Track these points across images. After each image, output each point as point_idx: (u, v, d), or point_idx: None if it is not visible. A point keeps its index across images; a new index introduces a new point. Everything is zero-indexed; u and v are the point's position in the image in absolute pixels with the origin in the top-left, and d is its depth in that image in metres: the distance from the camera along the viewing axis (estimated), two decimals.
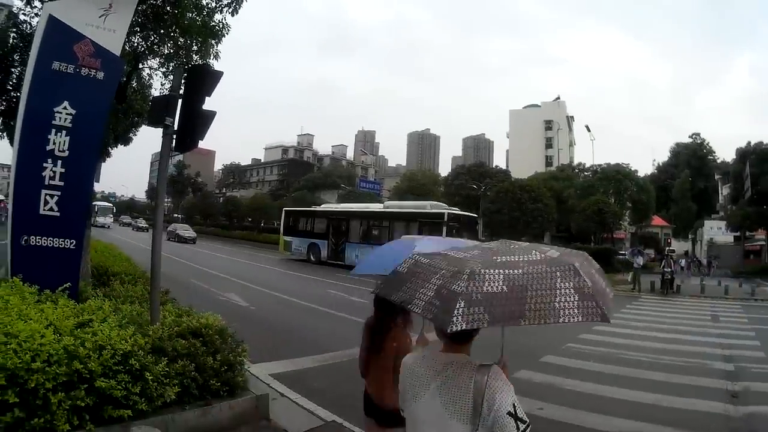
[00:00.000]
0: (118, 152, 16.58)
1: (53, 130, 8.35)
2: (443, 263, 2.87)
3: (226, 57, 14.03)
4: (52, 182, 8.36)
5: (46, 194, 8.32)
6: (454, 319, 2.39)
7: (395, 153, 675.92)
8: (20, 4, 12.13)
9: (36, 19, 11.15)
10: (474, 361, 2.93)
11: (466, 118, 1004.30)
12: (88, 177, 9.08)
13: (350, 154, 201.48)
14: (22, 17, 12.48)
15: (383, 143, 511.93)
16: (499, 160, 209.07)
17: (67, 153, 8.42)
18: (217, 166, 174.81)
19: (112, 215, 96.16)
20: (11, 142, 9.49)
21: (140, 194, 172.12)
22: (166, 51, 13.14)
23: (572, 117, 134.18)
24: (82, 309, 7.39)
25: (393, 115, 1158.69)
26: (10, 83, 12.42)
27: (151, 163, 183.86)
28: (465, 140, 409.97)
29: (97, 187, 16.03)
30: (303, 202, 76.57)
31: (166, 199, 13.02)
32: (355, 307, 18.83)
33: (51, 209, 8.34)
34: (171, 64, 13.37)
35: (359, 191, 76.90)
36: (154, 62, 13.75)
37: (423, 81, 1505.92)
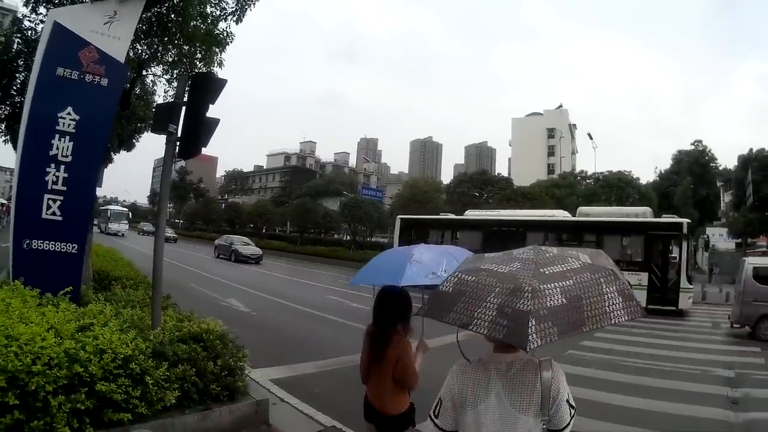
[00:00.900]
0: (120, 157, 16.66)
1: (57, 136, 8.38)
2: (493, 280, 2.85)
3: (230, 64, 14.09)
4: (55, 187, 8.37)
5: (48, 199, 8.34)
6: (530, 337, 2.45)
7: (398, 160, 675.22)
8: (25, 11, 12.18)
9: (41, 26, 11.19)
10: (533, 358, 3.02)
11: (468, 126, 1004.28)
12: (91, 182, 9.11)
13: (353, 161, 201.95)
14: (27, 23, 12.53)
15: (386, 151, 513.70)
16: (501, 168, 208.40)
17: (70, 158, 8.45)
18: (220, 172, 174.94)
19: (127, 221, 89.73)
20: (15, 147, 9.52)
21: (142, 199, 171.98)
22: (170, 58, 13.20)
23: (574, 125, 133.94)
24: (83, 313, 7.43)
25: (396, 122, 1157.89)
26: (14, 88, 12.47)
27: (154, 169, 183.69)
28: (467, 148, 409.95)
29: (100, 192, 16.07)
30: (306, 209, 76.47)
31: (168, 205, 13.03)
32: (355, 314, 18.86)
33: (53, 213, 8.36)
34: (175, 71, 13.41)
35: (361, 198, 76.61)
36: (158, 69, 13.85)
37: (426, 89, 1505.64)
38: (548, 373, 2.92)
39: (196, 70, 12.66)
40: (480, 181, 79.25)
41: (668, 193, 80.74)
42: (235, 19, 12.79)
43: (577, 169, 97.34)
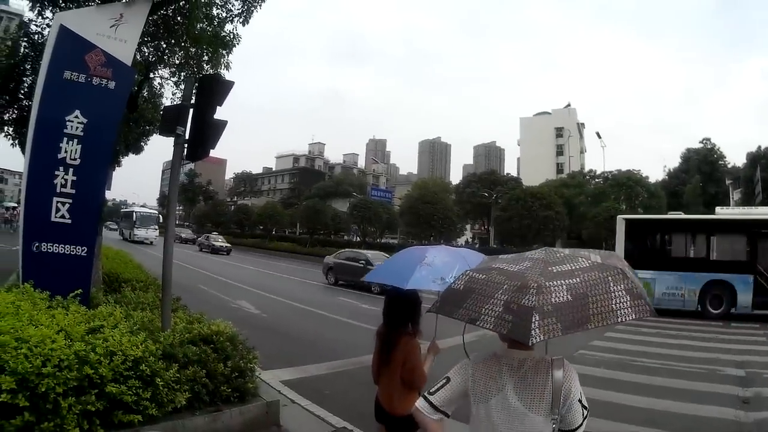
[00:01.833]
0: (129, 160, 16.69)
1: (65, 139, 8.39)
2: (502, 278, 2.92)
3: (237, 66, 14.10)
4: (63, 190, 8.38)
5: (57, 202, 8.35)
6: (533, 332, 2.49)
7: (406, 161, 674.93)
8: (31, 15, 12.21)
9: (47, 30, 11.22)
10: (546, 357, 3.05)
11: (477, 126, 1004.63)
12: (99, 185, 9.14)
13: (361, 162, 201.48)
14: (33, 27, 12.58)
15: (394, 151, 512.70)
16: (510, 168, 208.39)
17: (78, 161, 8.46)
18: (229, 174, 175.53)
19: (157, 226, 72.83)
20: (23, 150, 9.55)
21: (152, 202, 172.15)
22: (177, 61, 13.24)
23: (583, 124, 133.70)
24: (93, 315, 7.44)
25: (404, 123, 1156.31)
26: (22, 92, 12.52)
27: (162, 171, 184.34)
28: (476, 148, 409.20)
29: (109, 195, 16.13)
30: (315, 210, 76.48)
31: (177, 207, 12.98)
32: (365, 315, 18.88)
33: (62, 216, 8.37)
34: (182, 73, 13.45)
35: (371, 199, 76.57)
36: (165, 72, 13.86)
37: (434, 89, 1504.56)
38: (560, 372, 2.93)
39: (203, 73, 12.67)
40: (489, 181, 79.20)
41: (677, 191, 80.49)
42: (241, 20, 12.83)
43: (586, 168, 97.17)
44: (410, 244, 54.85)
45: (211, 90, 8.35)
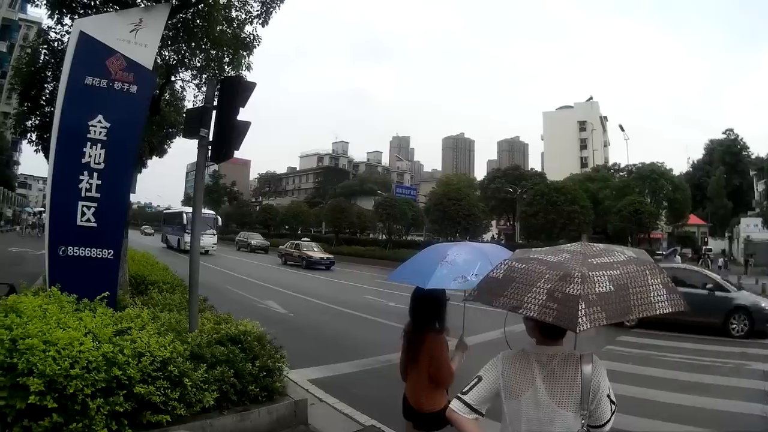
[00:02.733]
0: (153, 163, 16.79)
1: (88, 143, 8.45)
2: (543, 267, 2.93)
3: (259, 67, 14.13)
4: (88, 194, 8.45)
5: (83, 206, 8.42)
6: (580, 320, 2.51)
7: (430, 158, 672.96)
8: (50, 22, 12.29)
9: (67, 36, 11.28)
10: (574, 352, 3.06)
11: (500, 121, 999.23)
12: (124, 188, 9.18)
13: (385, 160, 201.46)
14: (52, 35, 12.64)
15: (418, 149, 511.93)
16: (534, 163, 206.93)
17: (102, 165, 8.51)
18: (253, 175, 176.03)
19: (215, 232, 60.25)
20: (46, 156, 9.61)
21: (176, 204, 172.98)
22: (198, 63, 13.25)
23: (606, 117, 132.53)
24: (120, 317, 7.51)
25: (427, 120, 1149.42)
26: (44, 98, 12.58)
27: (187, 174, 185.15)
28: (500, 143, 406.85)
29: (134, 198, 16.21)
30: (340, 209, 76.38)
31: (203, 209, 13.07)
32: (392, 313, 18.71)
33: (88, 220, 8.44)
34: (203, 76, 13.47)
35: (395, 196, 76.33)
36: (186, 75, 13.89)
37: (457, 85, 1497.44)
38: (589, 367, 2.94)
39: (225, 75, 12.70)
40: (513, 176, 78.85)
41: (701, 183, 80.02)
42: (260, 22, 12.86)
43: (610, 162, 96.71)
44: (436, 241, 51.32)
45: (233, 91, 8.37)
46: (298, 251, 49.13)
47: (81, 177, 8.41)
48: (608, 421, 2.97)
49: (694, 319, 17.54)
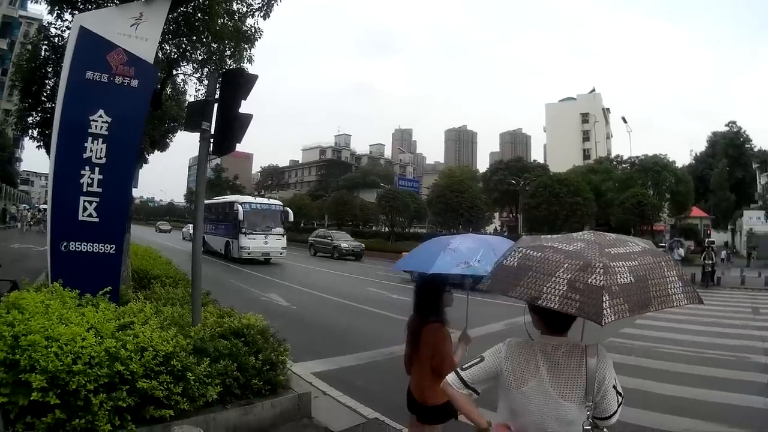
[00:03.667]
0: (155, 158, 16.67)
1: (89, 138, 8.42)
2: (560, 256, 2.86)
3: (261, 60, 14.10)
4: (90, 189, 8.42)
5: (84, 201, 8.39)
6: (605, 312, 2.47)
7: (433, 150, 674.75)
8: (50, 18, 12.26)
9: (67, 32, 11.25)
10: (579, 343, 3.04)
11: (503, 113, 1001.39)
12: (126, 183, 9.16)
13: (388, 152, 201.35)
14: (53, 30, 12.61)
15: (420, 141, 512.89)
16: (536, 155, 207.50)
17: (104, 160, 8.49)
18: (255, 168, 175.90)
19: (283, 233, 41.63)
20: (48, 152, 9.59)
21: (179, 198, 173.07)
22: (200, 57, 13.23)
23: (608, 109, 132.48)
24: (123, 312, 7.49)
25: (430, 112, 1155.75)
26: (45, 94, 12.57)
27: (189, 168, 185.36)
28: (502, 135, 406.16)
29: (136, 193, 16.14)
30: (343, 202, 76.31)
31: (205, 202, 13.08)
32: (395, 305, 18.84)
33: (90, 215, 8.41)
34: (205, 69, 13.45)
35: (398, 189, 76.28)
36: (188, 68, 13.86)
37: (459, 78, 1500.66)
38: (594, 359, 2.92)
39: (226, 68, 12.66)
40: (516, 168, 78.96)
41: (704, 176, 79.93)
42: (262, 14, 12.81)
43: (613, 154, 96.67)
44: (439, 233, 50.82)
45: (235, 84, 8.36)
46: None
47: (82, 172, 8.38)
48: (614, 413, 2.95)
49: None
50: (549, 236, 3.24)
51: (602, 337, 3.25)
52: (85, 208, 8.38)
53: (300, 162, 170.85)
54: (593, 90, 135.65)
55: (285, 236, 41.58)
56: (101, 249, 8.48)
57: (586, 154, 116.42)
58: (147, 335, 6.41)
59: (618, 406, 2.95)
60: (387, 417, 8.04)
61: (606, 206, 62.32)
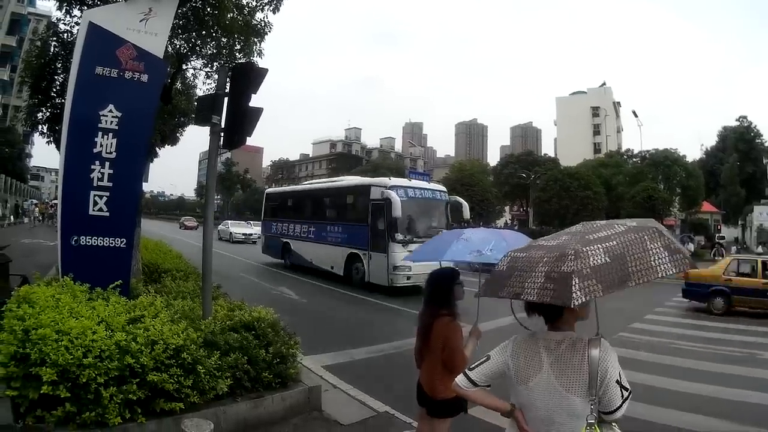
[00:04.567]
0: (165, 152, 16.71)
1: (100, 133, 8.48)
2: (541, 252, 3.00)
3: (271, 53, 14.11)
4: (100, 183, 8.48)
5: (95, 195, 8.44)
6: (574, 294, 2.60)
7: (443, 144, 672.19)
8: (59, 14, 12.31)
9: (76, 28, 11.28)
10: (583, 337, 3.07)
11: (513, 107, 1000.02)
12: (136, 177, 9.21)
13: (398, 146, 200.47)
14: (62, 27, 12.67)
15: (431, 134, 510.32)
16: (547, 148, 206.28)
17: (114, 154, 8.54)
18: (266, 162, 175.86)
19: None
20: (58, 147, 9.61)
21: (189, 192, 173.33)
22: (209, 51, 13.25)
23: (619, 103, 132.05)
24: (133, 305, 7.50)
25: (440, 106, 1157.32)
26: (54, 90, 12.61)
27: (200, 162, 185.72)
28: (513, 129, 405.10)
29: (146, 187, 16.13)
30: None
31: (216, 196, 13.07)
32: (406, 299, 18.82)
33: (100, 210, 8.46)
34: (215, 63, 13.48)
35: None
36: (197, 63, 13.90)
37: (470, 71, 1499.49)
38: (596, 352, 2.95)
39: (236, 62, 12.67)
40: (527, 162, 78.98)
41: (714, 170, 79.49)
42: (272, 8, 12.86)
43: (623, 148, 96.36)
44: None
45: (246, 78, 8.37)
46: None
47: (93, 167, 8.44)
48: (618, 407, 2.96)
49: None
50: (544, 237, 3.36)
51: (607, 333, 3.27)
52: (95, 203, 8.45)
53: (310, 155, 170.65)
54: (604, 84, 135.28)
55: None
56: (111, 243, 8.56)
57: (596, 148, 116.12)
58: (157, 328, 6.45)
59: (623, 401, 2.96)
60: (397, 410, 8.02)
61: (616, 200, 62.06)
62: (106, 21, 8.72)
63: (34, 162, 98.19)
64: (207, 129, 8.57)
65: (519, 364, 3.16)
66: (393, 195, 21.15)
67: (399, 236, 21.06)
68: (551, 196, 57.09)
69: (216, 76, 12.15)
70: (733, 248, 55.58)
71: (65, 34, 12.58)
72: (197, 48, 13.08)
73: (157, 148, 15.22)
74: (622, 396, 2.95)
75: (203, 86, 14.44)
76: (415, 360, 5.40)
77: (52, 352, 5.39)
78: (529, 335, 3.26)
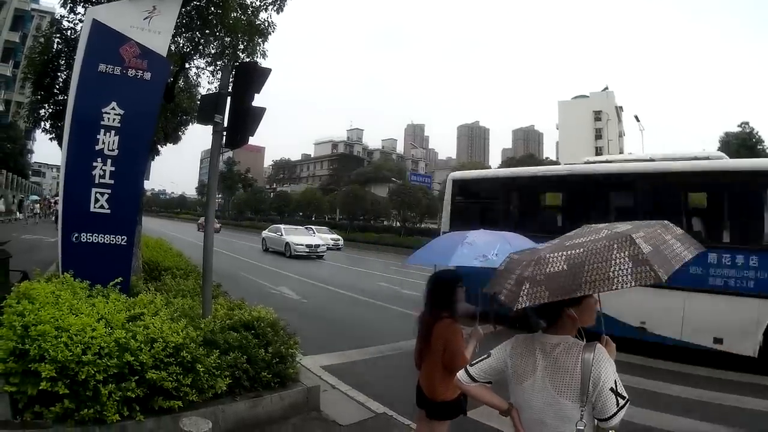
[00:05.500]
0: (167, 150, 16.72)
1: (102, 130, 8.50)
2: (525, 256, 3.16)
3: (274, 53, 14.14)
4: (102, 180, 8.49)
5: (96, 192, 8.47)
6: (520, 298, 2.78)
7: (445, 146, 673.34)
8: (63, 11, 12.31)
9: (80, 25, 11.30)
10: (580, 341, 3.09)
11: (515, 110, 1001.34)
12: (138, 175, 9.25)
13: (400, 147, 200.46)
14: (65, 24, 12.69)
15: (433, 136, 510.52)
16: (549, 152, 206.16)
17: (116, 152, 8.56)
18: (267, 162, 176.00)
19: None
20: (60, 144, 9.63)
21: (190, 191, 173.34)
22: (213, 50, 13.26)
23: (621, 107, 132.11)
24: (133, 303, 7.51)
25: (442, 108, 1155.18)
26: (57, 87, 12.62)
27: (201, 160, 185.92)
28: (515, 132, 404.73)
29: (147, 185, 16.18)
30: (354, 196, 76.15)
31: (217, 195, 13.09)
32: (406, 300, 18.80)
33: (102, 207, 8.48)
34: (218, 63, 13.50)
35: (410, 184, 76.07)
36: (201, 62, 13.93)
37: (472, 74, 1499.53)
38: (590, 356, 2.95)
39: (239, 61, 12.67)
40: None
41: None
42: (275, 8, 12.87)
43: (625, 152, 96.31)
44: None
45: (249, 77, 8.39)
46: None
47: (94, 164, 8.47)
48: (613, 415, 2.91)
49: None
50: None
51: None
52: (96, 200, 8.47)
53: (312, 156, 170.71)
54: (606, 88, 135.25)
55: None
56: (112, 240, 8.57)
57: (598, 152, 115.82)
58: (157, 326, 6.47)
59: (618, 409, 2.91)
60: (395, 412, 8.04)
61: None
62: (110, 19, 8.75)
63: (35, 158, 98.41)
64: (209, 128, 8.59)
65: (516, 363, 3.20)
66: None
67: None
68: None
69: (220, 76, 12.15)
70: None
71: (68, 31, 12.59)
72: (200, 47, 13.09)
73: (158, 146, 15.24)
74: (617, 404, 2.90)
75: (208, 85, 14.45)
76: (414, 361, 5.40)
77: (51, 349, 5.41)
78: (528, 336, 3.28)
